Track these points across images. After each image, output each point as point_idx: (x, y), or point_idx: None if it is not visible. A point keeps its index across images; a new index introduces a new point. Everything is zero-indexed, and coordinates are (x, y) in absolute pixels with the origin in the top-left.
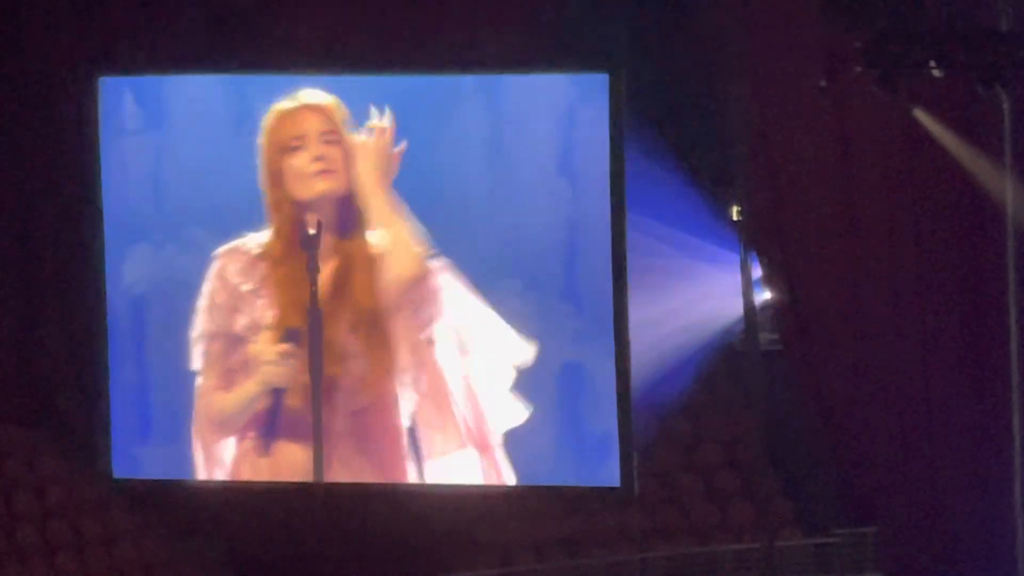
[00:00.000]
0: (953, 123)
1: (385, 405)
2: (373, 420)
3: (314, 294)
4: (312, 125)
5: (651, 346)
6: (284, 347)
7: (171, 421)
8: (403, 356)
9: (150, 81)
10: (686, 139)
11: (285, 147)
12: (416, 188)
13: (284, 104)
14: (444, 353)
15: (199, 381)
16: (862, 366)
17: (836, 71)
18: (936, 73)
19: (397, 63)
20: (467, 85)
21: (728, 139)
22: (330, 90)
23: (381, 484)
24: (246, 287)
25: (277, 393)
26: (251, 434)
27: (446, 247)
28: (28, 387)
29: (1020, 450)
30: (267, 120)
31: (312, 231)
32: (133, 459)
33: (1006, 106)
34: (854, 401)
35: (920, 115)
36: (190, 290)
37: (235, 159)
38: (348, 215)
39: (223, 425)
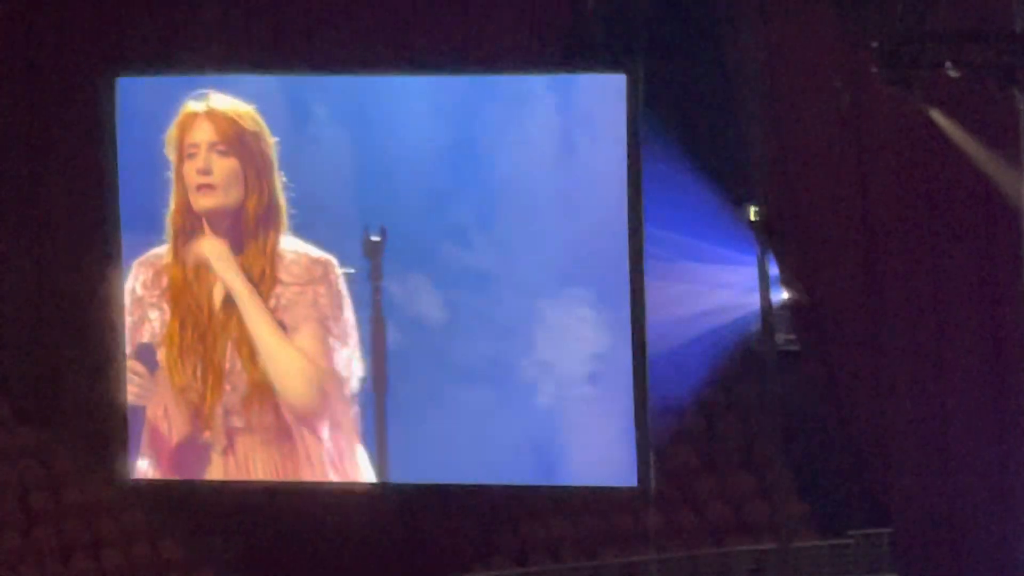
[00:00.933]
0: (969, 124)
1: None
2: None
3: (377, 303)
4: (204, 134)
5: (668, 346)
6: (132, 363)
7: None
8: None
9: (167, 81)
10: (703, 140)
11: (183, 153)
12: (426, 189)
13: (192, 106)
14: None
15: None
16: (878, 367)
17: (852, 72)
18: (952, 74)
19: (413, 64)
20: (483, 86)
21: (745, 140)
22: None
23: (396, 484)
24: (149, 298)
25: (136, 411)
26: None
27: (455, 247)
28: (44, 388)
29: None
30: (174, 122)
31: (376, 238)
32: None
33: (1022, 107)
34: (870, 402)
35: (936, 116)
36: None
37: None
38: (238, 229)
39: None
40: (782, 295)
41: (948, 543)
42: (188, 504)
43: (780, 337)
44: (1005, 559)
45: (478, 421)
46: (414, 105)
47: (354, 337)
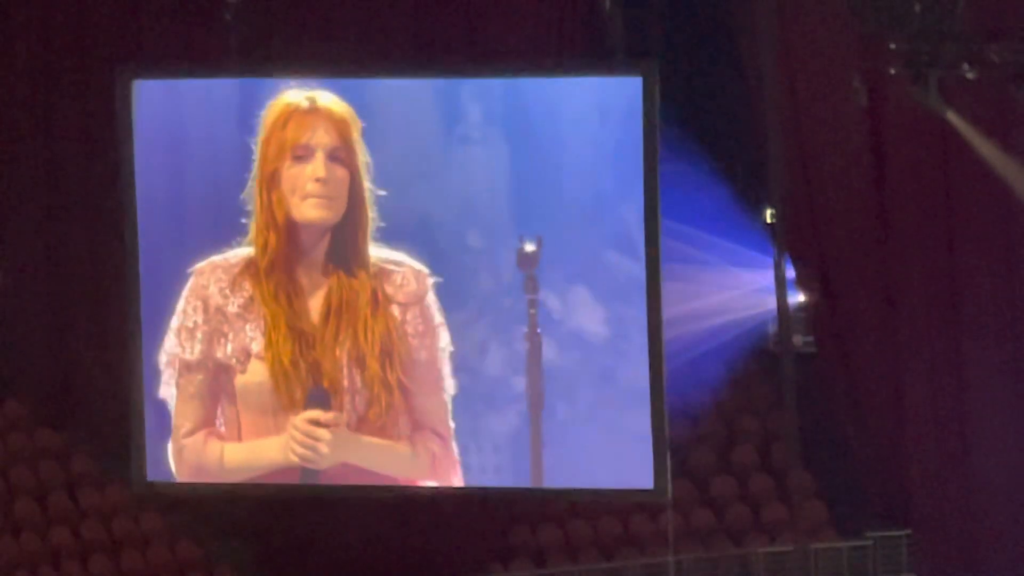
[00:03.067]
0: (986, 125)
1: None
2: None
3: (532, 317)
4: (323, 137)
5: (685, 348)
6: (312, 414)
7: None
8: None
9: (183, 84)
10: (720, 142)
11: (287, 152)
12: (440, 190)
13: (294, 99)
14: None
15: (176, 420)
16: (897, 368)
17: (870, 73)
18: (969, 75)
19: (426, 66)
20: (500, 88)
21: (762, 141)
22: (347, 97)
23: (416, 487)
24: (232, 308)
25: (308, 474)
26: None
27: (471, 251)
28: (62, 390)
29: None
30: (271, 113)
31: (531, 248)
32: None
33: None
34: (888, 403)
35: (953, 118)
36: None
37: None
38: (342, 242)
39: (234, 475)
40: (799, 297)
41: (966, 545)
42: (206, 506)
43: (798, 339)
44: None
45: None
46: (413, 106)
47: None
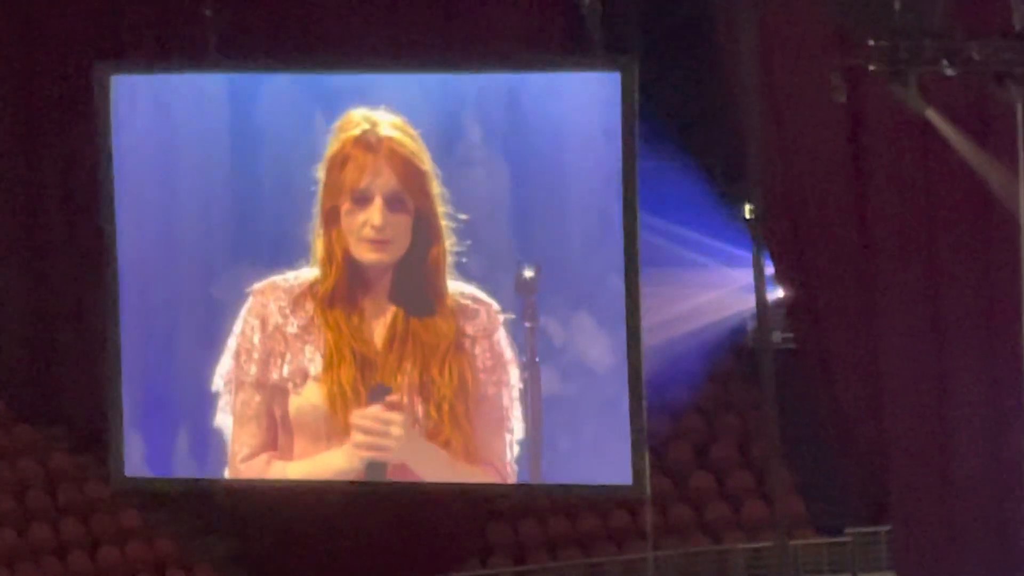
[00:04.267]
0: (965, 123)
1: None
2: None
3: (531, 347)
4: (384, 181)
5: (664, 344)
6: (376, 409)
7: (182, 419)
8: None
9: (162, 80)
10: (699, 138)
11: (345, 191)
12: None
13: (356, 126)
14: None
15: (234, 447)
16: (876, 365)
17: (849, 70)
18: (949, 72)
19: (406, 63)
20: (478, 84)
21: (741, 137)
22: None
23: (393, 482)
24: (291, 329)
25: (374, 469)
26: None
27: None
28: (41, 387)
29: None
30: (333, 146)
31: (529, 274)
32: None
33: (1019, 106)
34: (868, 400)
35: (932, 115)
36: (205, 299)
37: (256, 169)
38: (407, 276)
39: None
40: (778, 293)
41: (946, 541)
42: (184, 502)
43: (777, 335)
44: (1003, 557)
45: None
46: (405, 104)
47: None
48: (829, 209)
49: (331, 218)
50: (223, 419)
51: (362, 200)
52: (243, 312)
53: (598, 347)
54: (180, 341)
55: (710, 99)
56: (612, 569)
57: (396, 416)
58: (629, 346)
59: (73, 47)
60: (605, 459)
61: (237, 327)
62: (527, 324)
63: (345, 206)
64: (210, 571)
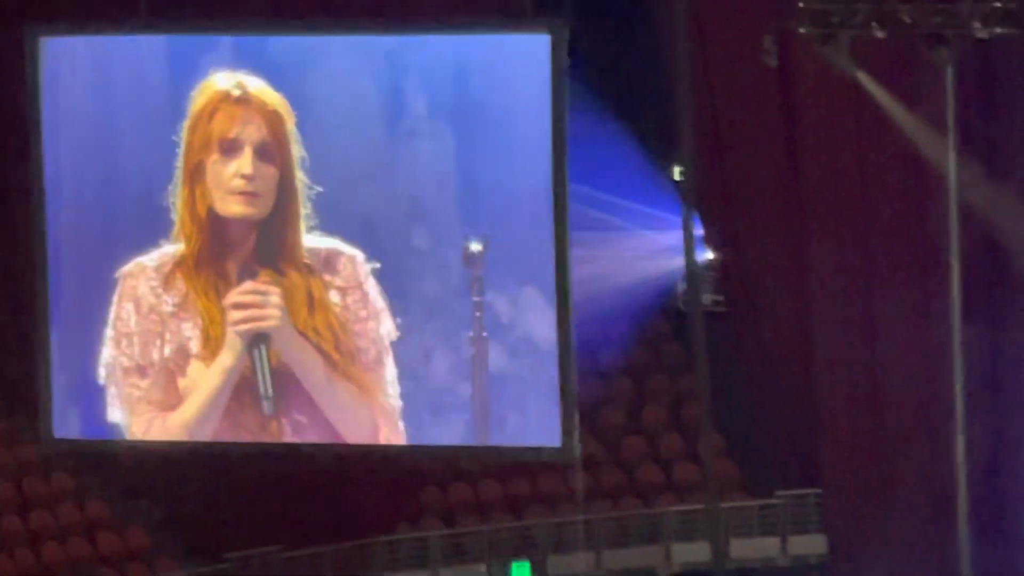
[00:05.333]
0: (896, 86)
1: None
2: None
3: (479, 320)
4: (253, 131)
5: (594, 307)
6: (250, 284)
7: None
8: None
9: (94, 42)
10: (629, 101)
11: (213, 145)
12: (349, 147)
13: (224, 85)
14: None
15: (129, 432)
16: (808, 328)
17: (781, 32)
18: (879, 34)
19: (332, 24)
20: (407, 45)
21: (671, 100)
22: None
23: (325, 444)
24: (167, 308)
25: (258, 346)
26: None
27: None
28: None
29: (963, 412)
30: (198, 100)
31: (477, 247)
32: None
33: (949, 69)
34: (799, 363)
35: (863, 78)
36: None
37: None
38: (271, 237)
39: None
40: (709, 255)
41: (876, 504)
42: (115, 465)
43: (707, 298)
44: (931, 518)
45: None
46: (322, 64)
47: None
48: (760, 171)
49: (195, 175)
50: (115, 414)
51: (231, 150)
52: (115, 298)
53: (533, 313)
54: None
55: (641, 62)
56: (543, 532)
57: (272, 288)
58: (558, 308)
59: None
60: (536, 422)
61: (112, 314)
62: (475, 298)
63: (212, 157)
64: (142, 534)
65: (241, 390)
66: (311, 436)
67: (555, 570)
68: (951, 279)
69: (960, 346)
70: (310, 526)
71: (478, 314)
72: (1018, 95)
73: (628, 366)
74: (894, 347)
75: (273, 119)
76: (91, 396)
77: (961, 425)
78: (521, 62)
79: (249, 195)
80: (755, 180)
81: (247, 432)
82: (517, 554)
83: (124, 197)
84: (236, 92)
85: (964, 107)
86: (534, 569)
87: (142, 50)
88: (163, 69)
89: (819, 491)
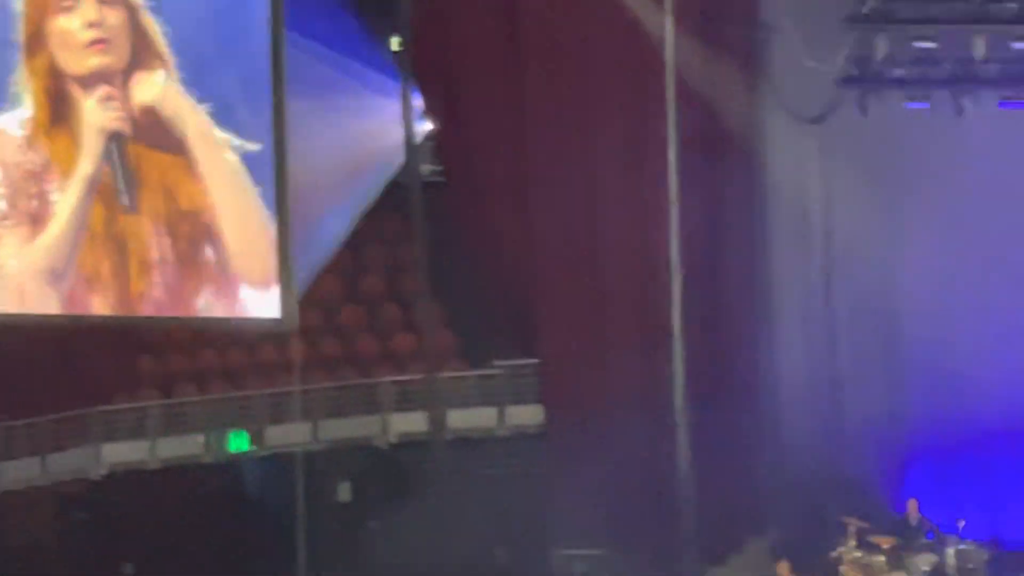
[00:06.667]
0: None
1: None
2: None
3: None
4: None
5: (313, 176)
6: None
7: None
8: None
9: None
10: None
11: (50, 4)
12: None
13: None
14: None
15: None
16: (526, 199)
17: None
18: None
19: None
20: None
21: None
22: None
23: (36, 315)
24: (30, 167)
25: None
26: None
27: None
28: None
29: (680, 286)
30: None
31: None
32: None
33: None
34: (519, 232)
35: None
36: None
37: None
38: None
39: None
40: (427, 126)
41: (593, 375)
42: None
43: (426, 168)
44: (647, 390)
45: None
46: None
47: None
48: (480, 41)
49: (35, 43)
50: None
51: (70, 4)
52: None
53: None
54: None
55: None
56: (260, 402)
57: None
58: (277, 179)
59: None
60: (253, 293)
61: None
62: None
63: (53, 19)
64: None
65: None
66: None
67: (273, 440)
68: (668, 151)
69: (677, 212)
70: (29, 395)
71: None
72: None
73: (346, 236)
74: (612, 217)
75: None
76: None
77: (678, 293)
78: None
79: (99, 42)
80: (475, 52)
81: None
82: (235, 424)
83: None
84: None
85: None
86: (252, 439)
87: None
88: None
89: (537, 361)
